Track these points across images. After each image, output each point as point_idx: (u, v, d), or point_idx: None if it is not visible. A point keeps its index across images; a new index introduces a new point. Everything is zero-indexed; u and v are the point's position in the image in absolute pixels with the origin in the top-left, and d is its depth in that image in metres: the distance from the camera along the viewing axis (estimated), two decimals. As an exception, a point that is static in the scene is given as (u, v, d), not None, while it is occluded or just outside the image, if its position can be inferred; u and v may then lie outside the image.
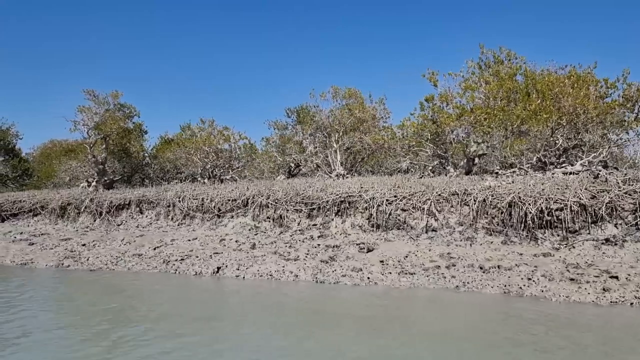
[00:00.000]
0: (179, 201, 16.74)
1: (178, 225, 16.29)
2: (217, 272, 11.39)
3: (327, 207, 14.17)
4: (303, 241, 13.22)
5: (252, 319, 7.58)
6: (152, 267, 12.22)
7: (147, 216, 17.34)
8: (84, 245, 14.67)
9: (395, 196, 13.35)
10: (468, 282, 9.25)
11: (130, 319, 7.52)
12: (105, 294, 9.43)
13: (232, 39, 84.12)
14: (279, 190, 15.18)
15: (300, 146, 20.92)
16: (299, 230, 14.14)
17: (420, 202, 13.00)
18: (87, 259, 13.26)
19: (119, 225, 17.28)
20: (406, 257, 11.00)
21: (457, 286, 9.21)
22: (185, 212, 16.57)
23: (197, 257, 12.63)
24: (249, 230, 14.89)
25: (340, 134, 17.01)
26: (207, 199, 16.22)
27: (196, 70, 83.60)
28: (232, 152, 17.93)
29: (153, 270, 12.02)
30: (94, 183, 19.06)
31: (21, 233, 17.29)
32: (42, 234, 16.87)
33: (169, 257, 12.82)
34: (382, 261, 10.86)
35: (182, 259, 12.55)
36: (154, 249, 13.77)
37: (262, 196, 15.26)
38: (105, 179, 19.10)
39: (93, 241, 14.98)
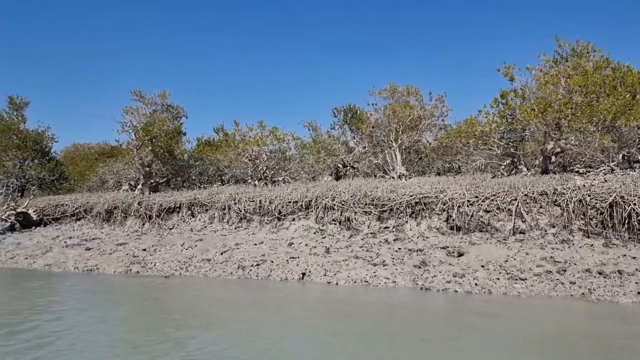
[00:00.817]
0: (235, 204, 16.13)
1: (235, 228, 15.68)
2: (303, 277, 10.78)
3: (400, 208, 13.54)
4: (380, 245, 12.60)
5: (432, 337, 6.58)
6: (228, 273, 11.61)
7: (200, 219, 16.74)
8: (144, 250, 14.07)
9: (476, 197, 12.72)
10: (594, 290, 8.59)
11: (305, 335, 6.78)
12: (222, 306, 8.70)
13: (279, 39, 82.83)
14: (345, 191, 14.56)
15: (347, 146, 20.31)
16: (371, 233, 13.52)
17: (504, 202, 12.36)
18: (154, 265, 12.66)
19: (170, 229, 16.68)
20: (506, 261, 10.36)
21: (582, 294, 8.54)
22: (241, 215, 15.96)
23: (273, 262, 12.02)
24: (314, 233, 14.27)
25: (400, 132, 16.40)
26: (265, 201, 15.61)
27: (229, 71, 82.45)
28: (284, 153, 17.32)
29: (230, 277, 11.41)
30: (139, 186, 18.48)
31: (70, 238, 16.72)
32: (93, 239, 16.28)
33: (241, 262, 12.21)
34: (482, 266, 10.21)
35: (257, 264, 11.94)
36: (221, 253, 13.16)
37: (326, 198, 14.63)
38: (152, 181, 18.53)
39: (152, 246, 14.38)
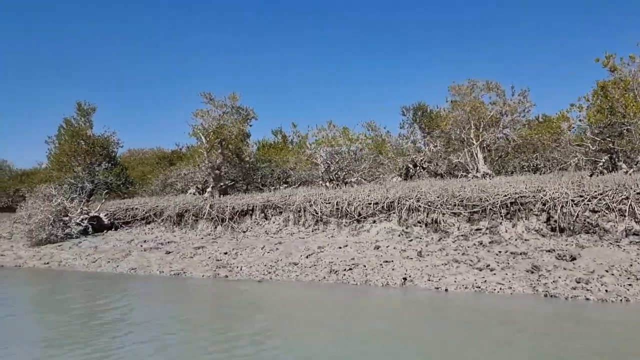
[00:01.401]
0: (310, 205, 15.73)
1: (312, 231, 15.27)
2: (404, 283, 10.21)
3: (494, 209, 12.77)
4: (476, 248, 11.89)
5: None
6: (321, 278, 11.18)
7: (274, 222, 16.42)
8: (225, 253, 13.84)
9: (580, 196, 11.82)
10: None
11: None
12: (341, 314, 8.30)
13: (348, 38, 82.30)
14: (431, 191, 13.90)
15: (416, 146, 19.62)
16: (462, 235, 12.82)
17: (614, 202, 11.42)
18: (240, 269, 12.38)
19: (244, 232, 16.43)
20: (631, 265, 9.48)
21: None
22: (317, 217, 15.54)
23: (365, 266, 11.52)
24: (399, 236, 13.68)
25: (480, 129, 15.61)
26: (342, 203, 15.13)
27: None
28: (356, 153, 16.83)
29: (324, 281, 10.97)
30: (209, 189, 18.37)
31: (145, 241, 16.72)
32: (168, 242, 16.22)
33: (332, 266, 11.77)
34: (607, 270, 9.37)
35: (350, 268, 11.46)
36: (307, 257, 12.76)
37: (410, 199, 14.02)
38: (221, 184, 18.39)
39: (233, 249, 14.13)
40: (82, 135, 22.32)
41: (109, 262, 14.29)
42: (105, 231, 19.32)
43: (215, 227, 17.27)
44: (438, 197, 13.70)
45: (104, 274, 13.30)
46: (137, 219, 19.45)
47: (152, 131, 77.50)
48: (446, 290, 9.55)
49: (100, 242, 17.40)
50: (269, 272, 11.93)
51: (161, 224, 18.73)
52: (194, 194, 20.76)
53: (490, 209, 12.82)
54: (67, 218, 18.60)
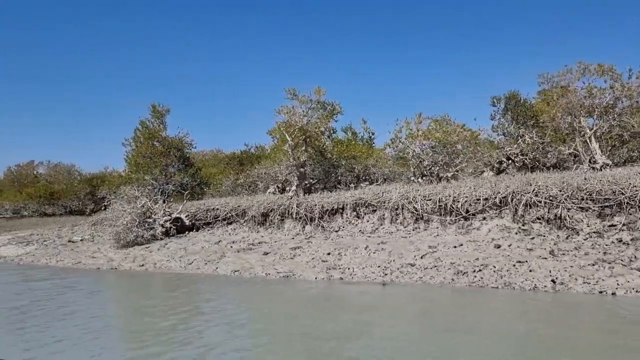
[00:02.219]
0: (409, 203, 14.80)
1: (413, 230, 14.35)
2: (555, 286, 9.14)
3: (632, 203, 11.47)
4: (619, 246, 10.66)
5: None
6: (449, 280, 10.26)
7: (367, 221, 15.58)
8: (328, 254, 13.11)
9: None
10: None
11: None
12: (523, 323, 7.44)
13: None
14: (551, 185, 12.71)
15: (509, 138, 18.34)
16: (594, 232, 11.59)
17: None
18: (352, 270, 11.62)
19: (336, 231, 15.68)
20: None
21: None
22: (417, 215, 14.60)
23: (495, 267, 10.51)
24: (516, 233, 12.55)
25: (594, 117, 14.27)
26: (445, 199, 14.13)
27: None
28: (453, 147, 15.78)
29: (454, 284, 10.04)
30: (293, 188, 17.75)
31: (233, 242, 16.25)
32: (258, 243, 15.68)
33: (455, 267, 10.83)
34: None
35: (479, 270, 10.48)
36: (421, 257, 11.85)
37: (527, 193, 12.87)
38: (305, 182, 17.73)
39: (335, 249, 13.39)
40: (157, 136, 22.24)
41: (206, 263, 13.83)
42: (186, 232, 19.04)
43: (304, 227, 16.61)
44: (560, 190, 12.50)
45: (206, 275, 12.83)
46: (219, 220, 19.08)
47: (206, 131, 78.41)
48: (613, 294, 8.42)
49: (187, 243, 17.07)
50: (385, 274, 11.10)
51: (244, 224, 18.26)
52: (273, 193, 20.25)
53: (628, 202, 11.52)
54: (151, 220, 18.42)
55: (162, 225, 18.68)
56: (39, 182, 35.18)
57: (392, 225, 14.97)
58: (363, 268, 11.64)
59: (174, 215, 19.06)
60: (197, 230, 19.24)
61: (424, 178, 16.60)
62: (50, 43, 76.62)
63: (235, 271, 12.75)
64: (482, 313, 7.97)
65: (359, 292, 9.93)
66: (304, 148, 17.24)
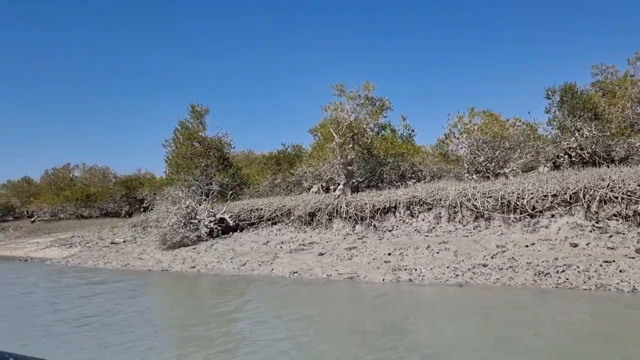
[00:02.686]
0: (468, 200, 14.14)
1: (474, 228, 13.68)
2: (655, 287, 8.42)
3: None
4: None
5: None
6: (532, 281, 9.59)
7: (422, 219, 14.97)
8: (389, 254, 12.56)
9: None
10: None
11: None
12: None
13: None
14: (628, 179, 11.92)
15: (566, 132, 17.50)
16: (681, 229, 10.75)
17: None
18: (420, 271, 11.04)
19: (389, 230, 15.10)
20: None
21: None
22: (477, 213, 13.94)
23: (578, 267, 9.81)
24: (590, 231, 11.79)
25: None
26: (509, 196, 13.43)
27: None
28: (510, 141, 15.05)
29: (537, 285, 9.39)
30: (340, 186, 17.24)
31: (282, 242, 15.83)
32: (310, 243, 15.22)
33: (533, 267, 10.17)
34: None
35: (562, 270, 9.80)
36: (492, 257, 11.21)
37: (601, 188, 12.10)
38: (353, 181, 17.21)
39: (395, 249, 12.83)
40: (197, 137, 22.02)
41: (260, 265, 13.44)
42: (230, 233, 18.73)
43: (354, 227, 16.08)
44: (639, 185, 11.70)
45: (262, 277, 12.43)
46: (263, 220, 18.70)
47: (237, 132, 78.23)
48: None
49: (233, 244, 16.74)
50: (457, 275, 10.50)
51: (289, 224, 17.83)
52: (317, 192, 19.79)
53: None
54: (195, 220, 18.15)
55: (207, 226, 18.39)
56: (75, 184, 35.49)
57: (450, 224, 14.33)
58: (431, 269, 11.06)
59: (218, 216, 18.76)
60: (241, 231, 18.90)
61: (478, 174, 15.90)
62: (74, 44, 77.31)
63: (294, 272, 12.30)
64: (607, 319, 7.29)
65: (442, 296, 9.36)
66: (351, 145, 16.70)
